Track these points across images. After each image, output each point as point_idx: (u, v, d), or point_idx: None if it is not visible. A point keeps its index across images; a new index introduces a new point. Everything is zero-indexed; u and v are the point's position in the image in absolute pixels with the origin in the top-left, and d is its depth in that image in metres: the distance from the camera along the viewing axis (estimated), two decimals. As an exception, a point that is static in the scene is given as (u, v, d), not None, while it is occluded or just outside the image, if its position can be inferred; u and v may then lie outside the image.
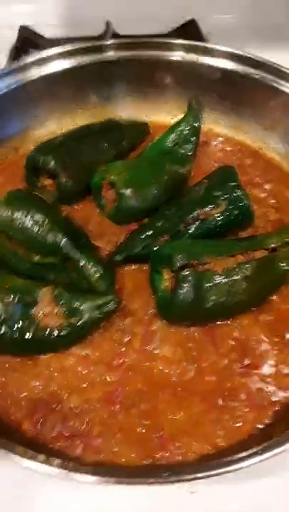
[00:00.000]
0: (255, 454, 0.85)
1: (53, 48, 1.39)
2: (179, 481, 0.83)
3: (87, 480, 0.83)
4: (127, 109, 1.51)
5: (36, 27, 1.82)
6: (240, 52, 1.37)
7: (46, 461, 0.85)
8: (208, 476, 0.82)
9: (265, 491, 1.00)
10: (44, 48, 1.72)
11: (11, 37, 1.80)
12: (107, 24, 1.77)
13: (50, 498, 0.98)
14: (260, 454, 0.85)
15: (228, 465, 0.85)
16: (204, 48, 1.39)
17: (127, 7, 1.79)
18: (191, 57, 1.40)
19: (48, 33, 1.81)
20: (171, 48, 1.41)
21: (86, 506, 0.98)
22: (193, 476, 0.81)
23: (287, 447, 0.86)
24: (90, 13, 1.77)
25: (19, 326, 1.05)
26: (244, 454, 0.86)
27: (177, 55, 1.41)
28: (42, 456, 0.86)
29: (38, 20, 1.83)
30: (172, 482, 0.82)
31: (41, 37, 1.78)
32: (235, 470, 0.84)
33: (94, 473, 0.84)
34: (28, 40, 1.78)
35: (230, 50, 1.37)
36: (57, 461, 0.86)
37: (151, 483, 0.82)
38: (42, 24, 1.84)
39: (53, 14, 1.89)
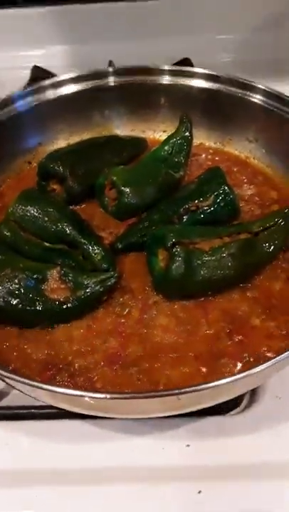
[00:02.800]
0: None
1: (65, 74, 1.62)
2: (168, 395, 0.93)
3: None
4: (125, 128, 1.72)
5: (47, 68, 2.07)
6: (222, 74, 1.58)
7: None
8: (195, 391, 0.92)
9: (273, 491, 1.08)
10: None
11: (25, 76, 2.05)
12: (110, 63, 2.00)
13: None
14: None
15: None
16: (191, 72, 1.61)
17: (127, 48, 2.03)
18: (181, 80, 1.61)
19: (57, 72, 2.05)
20: (161, 73, 1.63)
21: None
22: (182, 391, 0.91)
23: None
24: (95, 54, 2.01)
25: (30, 298, 1.19)
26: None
27: (168, 80, 1.63)
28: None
29: (48, 61, 2.09)
30: (162, 396, 0.93)
31: (52, 75, 2.01)
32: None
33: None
34: (40, 78, 2.01)
35: (213, 72, 1.58)
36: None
37: (144, 396, 0.93)
38: (52, 65, 2.09)
39: (62, 56, 2.15)
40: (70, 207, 1.45)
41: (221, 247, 1.23)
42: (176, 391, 0.90)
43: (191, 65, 1.99)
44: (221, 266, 1.22)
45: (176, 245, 1.21)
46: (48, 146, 1.66)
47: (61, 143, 1.67)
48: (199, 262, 1.21)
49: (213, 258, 1.22)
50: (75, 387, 1.10)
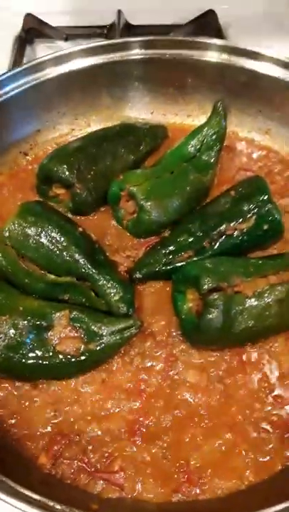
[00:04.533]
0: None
1: (71, 48, 1.29)
2: None
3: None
4: (143, 111, 1.42)
5: (41, 15, 1.70)
6: (268, 53, 1.27)
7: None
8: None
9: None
10: (51, 38, 1.65)
11: (16, 25, 1.70)
12: (118, 13, 1.66)
13: None
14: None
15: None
16: (226, 48, 1.29)
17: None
18: (217, 57, 1.30)
19: (54, 21, 1.69)
20: (195, 47, 1.30)
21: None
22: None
23: None
24: (99, 1, 1.67)
25: (34, 353, 0.98)
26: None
27: (202, 55, 1.31)
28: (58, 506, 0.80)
29: (43, 6, 1.72)
30: None
31: (47, 25, 1.66)
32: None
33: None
34: (33, 30, 1.67)
35: (256, 49, 1.28)
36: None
37: None
38: (48, 11, 1.72)
39: (60, 1, 1.77)
40: (78, 217, 1.22)
41: (266, 290, 1.01)
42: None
43: (215, 19, 1.67)
44: (266, 314, 1.01)
45: (212, 291, 0.98)
46: (47, 133, 1.37)
47: (63, 128, 1.38)
48: (240, 309, 1.00)
49: (256, 304, 1.01)
50: (89, 472, 0.92)
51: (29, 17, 1.71)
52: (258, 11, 1.76)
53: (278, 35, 1.68)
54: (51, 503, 0.80)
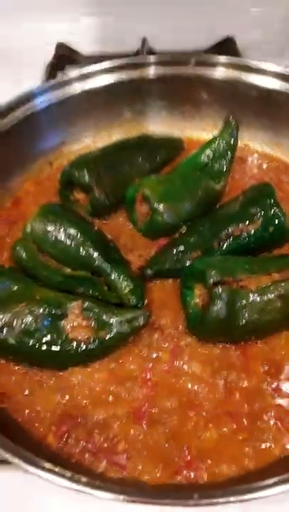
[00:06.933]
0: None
1: (96, 64, 1.40)
2: (210, 504, 0.79)
3: (113, 498, 0.80)
4: (161, 125, 1.51)
5: (73, 44, 1.84)
6: (282, 71, 1.35)
7: (72, 478, 0.83)
8: (241, 501, 0.78)
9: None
10: (81, 64, 1.78)
11: (48, 54, 1.83)
12: (143, 41, 1.78)
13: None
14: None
15: (262, 490, 0.81)
16: (245, 66, 1.38)
17: (161, 23, 1.79)
18: (231, 73, 1.39)
19: (84, 50, 1.83)
20: (211, 64, 1.40)
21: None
22: (225, 500, 0.77)
23: None
24: (126, 30, 1.79)
25: (48, 338, 1.04)
26: (277, 478, 0.82)
27: (217, 72, 1.40)
28: (68, 473, 0.84)
29: (74, 37, 1.85)
30: (202, 505, 0.79)
31: (78, 53, 1.80)
32: (270, 495, 0.80)
33: (120, 492, 0.81)
34: (64, 57, 1.81)
35: (270, 67, 1.36)
36: (83, 478, 0.83)
37: (181, 504, 0.79)
38: (78, 41, 1.86)
39: (89, 31, 1.90)
40: (95, 219, 1.29)
41: (270, 286, 1.05)
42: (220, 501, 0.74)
43: (234, 45, 1.78)
44: (269, 309, 1.05)
45: (218, 284, 1.03)
46: (72, 145, 1.47)
47: (87, 141, 1.48)
48: (244, 303, 1.04)
49: (259, 299, 1.04)
50: (93, 452, 0.96)
51: (61, 46, 1.86)
52: (271, 37, 1.85)
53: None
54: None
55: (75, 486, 0.81)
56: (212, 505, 0.78)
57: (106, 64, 1.40)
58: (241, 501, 0.79)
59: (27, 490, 0.99)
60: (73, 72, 1.38)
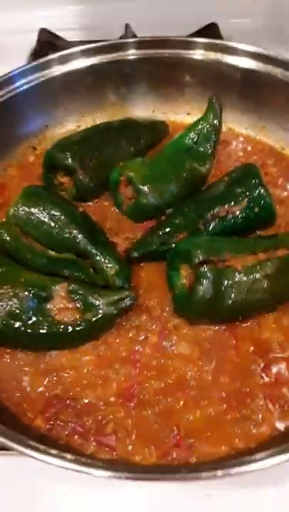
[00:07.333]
0: (278, 453, 0.81)
1: (76, 47, 1.38)
2: (196, 478, 0.78)
3: (102, 475, 0.79)
4: (145, 108, 1.50)
5: (58, 32, 1.81)
6: (263, 51, 1.35)
7: (60, 456, 0.82)
8: (227, 475, 0.77)
9: (283, 496, 0.97)
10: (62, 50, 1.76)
11: (31, 40, 1.81)
12: (126, 27, 1.75)
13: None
14: (283, 453, 0.81)
15: (248, 464, 0.81)
16: (226, 47, 1.37)
17: (145, 11, 1.78)
18: (213, 56, 1.38)
19: (67, 36, 1.80)
20: (192, 46, 1.39)
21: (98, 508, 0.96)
22: (212, 474, 0.77)
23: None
24: (110, 17, 1.77)
25: (34, 320, 1.03)
26: (265, 453, 0.82)
27: (199, 54, 1.39)
28: (55, 451, 0.83)
29: (57, 24, 1.83)
30: (189, 479, 0.78)
31: (62, 39, 1.77)
32: (256, 470, 0.80)
33: (109, 469, 0.80)
34: (47, 43, 1.78)
35: (252, 49, 1.36)
36: (71, 456, 0.83)
37: (168, 479, 0.78)
38: (62, 28, 1.83)
39: (73, 18, 1.88)
40: (80, 203, 1.27)
41: (256, 265, 1.05)
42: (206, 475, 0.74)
43: (218, 32, 1.77)
44: (255, 288, 1.05)
45: (203, 264, 1.03)
46: (55, 128, 1.45)
47: (71, 125, 1.46)
48: (230, 282, 1.03)
49: (245, 279, 1.04)
50: (82, 434, 0.95)
51: (43, 31, 1.83)
52: (257, 24, 1.85)
53: (279, 45, 1.76)
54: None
55: (61, 463, 0.80)
56: (199, 480, 0.78)
57: (86, 46, 1.38)
58: (229, 475, 0.78)
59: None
60: (53, 55, 1.35)
